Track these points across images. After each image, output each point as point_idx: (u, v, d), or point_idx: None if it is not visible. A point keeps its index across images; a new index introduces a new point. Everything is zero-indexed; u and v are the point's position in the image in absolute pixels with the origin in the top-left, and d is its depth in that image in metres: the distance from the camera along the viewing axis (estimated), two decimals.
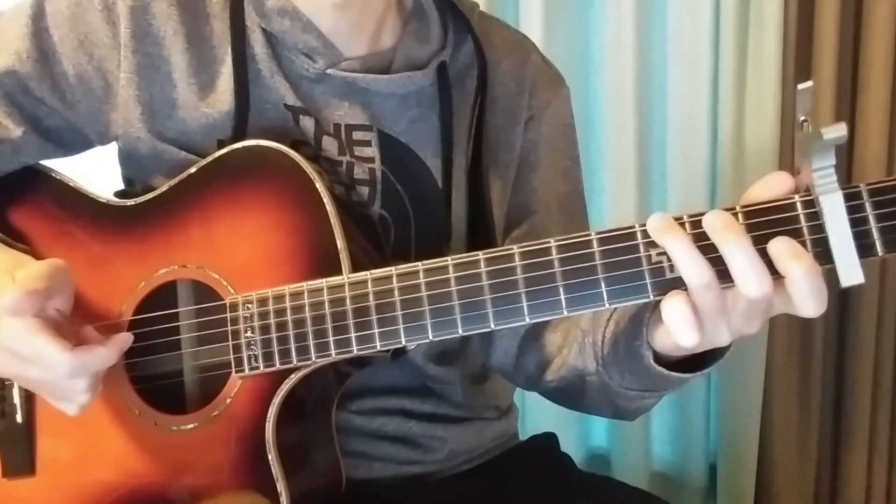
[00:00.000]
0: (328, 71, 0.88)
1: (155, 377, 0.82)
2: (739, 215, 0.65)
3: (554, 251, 0.70)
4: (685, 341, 0.66)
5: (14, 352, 0.75)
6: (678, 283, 0.66)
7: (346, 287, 0.76)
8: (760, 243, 0.65)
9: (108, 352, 0.78)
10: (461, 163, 0.94)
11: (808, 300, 0.63)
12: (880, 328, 1.60)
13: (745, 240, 0.64)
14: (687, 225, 0.66)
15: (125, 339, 0.80)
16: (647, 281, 0.67)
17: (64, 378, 0.75)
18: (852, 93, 1.55)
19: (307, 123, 0.89)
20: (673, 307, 0.65)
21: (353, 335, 0.75)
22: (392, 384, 0.95)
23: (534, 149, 0.98)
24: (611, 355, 0.82)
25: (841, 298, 1.59)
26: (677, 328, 0.66)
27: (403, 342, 0.74)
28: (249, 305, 0.79)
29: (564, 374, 0.90)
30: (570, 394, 0.92)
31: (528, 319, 0.71)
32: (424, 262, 0.74)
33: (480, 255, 0.72)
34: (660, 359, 0.75)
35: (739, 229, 0.64)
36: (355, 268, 0.78)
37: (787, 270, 0.63)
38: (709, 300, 0.65)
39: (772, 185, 0.66)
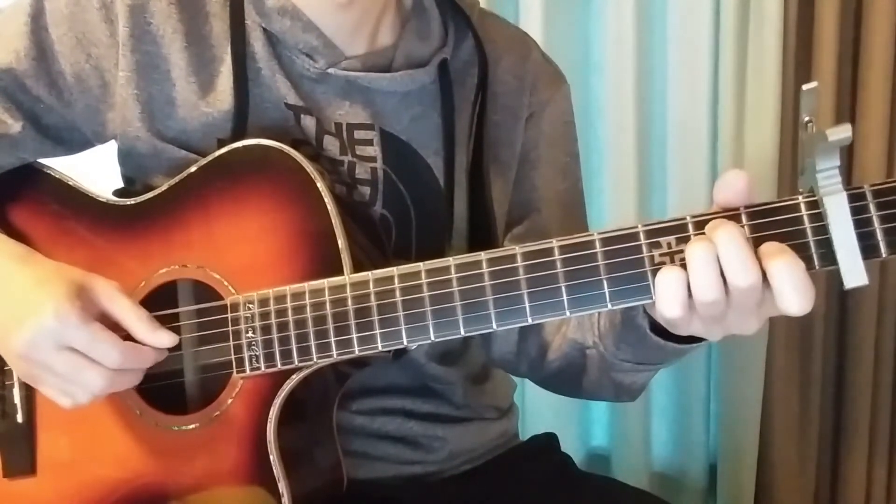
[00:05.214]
0: (329, 70, 0.88)
1: (156, 377, 0.82)
2: (743, 216, 0.65)
3: (556, 252, 0.70)
4: (669, 312, 0.66)
5: (60, 338, 0.75)
6: None
7: (348, 287, 0.76)
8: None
9: (153, 353, 0.80)
10: (462, 161, 0.94)
11: (791, 295, 0.63)
12: (880, 328, 1.60)
13: (734, 229, 0.64)
14: (690, 226, 0.66)
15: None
16: (650, 282, 0.67)
17: (109, 367, 0.76)
18: (852, 93, 1.54)
19: (308, 123, 0.89)
20: (666, 281, 0.65)
21: (354, 335, 0.75)
22: (393, 384, 0.95)
23: (534, 146, 0.98)
24: (607, 325, 0.83)
25: (841, 299, 1.59)
26: (664, 300, 0.66)
27: (405, 343, 0.74)
28: (250, 305, 0.79)
29: (566, 350, 0.91)
30: (572, 373, 0.92)
31: (530, 320, 0.70)
32: (426, 262, 0.74)
33: (483, 255, 0.72)
34: (656, 329, 0.75)
35: (729, 224, 0.64)
36: (356, 268, 0.78)
37: (769, 265, 0.63)
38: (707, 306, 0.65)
39: (728, 184, 0.66)
